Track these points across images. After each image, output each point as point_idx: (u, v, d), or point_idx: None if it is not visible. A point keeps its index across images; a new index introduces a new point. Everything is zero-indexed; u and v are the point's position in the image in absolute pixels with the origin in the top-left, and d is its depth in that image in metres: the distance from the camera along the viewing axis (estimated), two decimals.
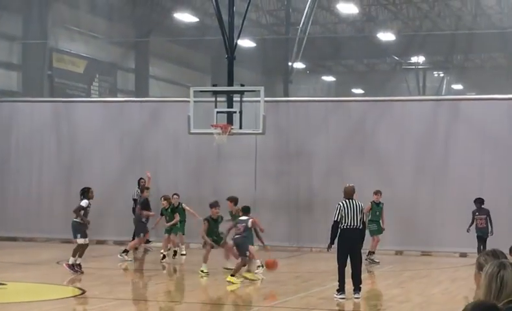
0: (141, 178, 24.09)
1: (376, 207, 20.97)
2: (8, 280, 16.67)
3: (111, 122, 25.80)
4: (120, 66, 40.16)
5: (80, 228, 17.99)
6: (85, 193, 18.23)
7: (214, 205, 18.95)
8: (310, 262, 20.32)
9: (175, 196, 22.16)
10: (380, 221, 20.94)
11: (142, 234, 21.31)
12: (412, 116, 23.74)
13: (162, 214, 21.47)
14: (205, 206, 24.55)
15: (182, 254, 22.07)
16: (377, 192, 21.02)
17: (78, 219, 18.00)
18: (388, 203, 21.34)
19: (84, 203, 18.02)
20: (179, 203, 22.01)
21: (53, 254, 21.58)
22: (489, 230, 20.17)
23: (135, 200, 23.72)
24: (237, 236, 17.45)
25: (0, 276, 17.35)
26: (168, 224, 21.34)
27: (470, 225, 20.23)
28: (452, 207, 21.98)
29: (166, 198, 21.41)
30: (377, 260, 20.67)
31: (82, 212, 17.90)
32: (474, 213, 20.30)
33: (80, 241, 17.91)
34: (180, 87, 40.95)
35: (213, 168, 24.70)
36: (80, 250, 17.93)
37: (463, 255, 22.16)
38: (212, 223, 18.70)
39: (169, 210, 21.13)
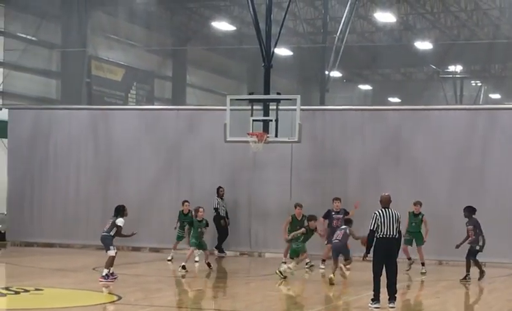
0: (220, 187, 24.17)
1: (414, 217, 20.84)
2: (45, 286, 16.86)
3: (147, 130, 25.96)
4: (158, 74, 40.44)
5: (111, 241, 18.27)
6: (121, 211, 18.46)
7: (297, 205, 20.86)
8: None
9: (186, 204, 22.35)
10: (420, 231, 20.88)
11: None
12: (449, 126, 23.58)
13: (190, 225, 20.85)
14: (240, 213, 24.76)
15: (195, 261, 22.16)
16: (416, 203, 20.89)
17: (111, 233, 18.27)
18: (424, 212, 21.19)
19: (121, 222, 18.31)
20: (189, 210, 22.16)
21: (89, 260, 21.75)
22: (479, 242, 19.42)
23: (215, 209, 24.03)
24: (336, 241, 18.89)
25: (37, 282, 17.55)
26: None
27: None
28: (489, 216, 21.75)
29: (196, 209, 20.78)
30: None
31: (121, 230, 18.25)
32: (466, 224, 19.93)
33: (112, 253, 18.14)
34: (217, 96, 41.16)
35: (249, 177, 24.74)
36: (111, 261, 18.16)
37: (501, 266, 21.95)
38: (295, 222, 20.51)
39: (204, 221, 20.61)
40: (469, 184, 23.00)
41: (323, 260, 21.16)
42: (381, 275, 15.01)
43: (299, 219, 20.72)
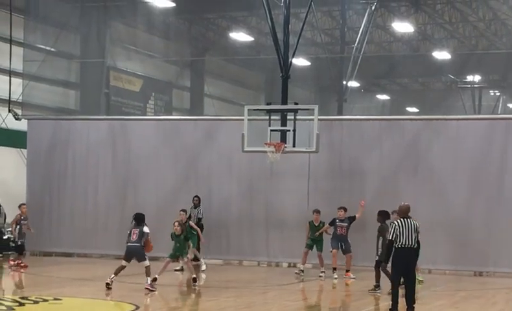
0: (195, 196, 24.34)
1: None
2: (64, 296, 16.94)
3: (165, 140, 26.05)
4: (176, 84, 40.55)
5: (143, 250, 18.37)
6: (143, 219, 18.55)
7: (316, 211, 21.77)
8: (361, 280, 20.22)
9: (181, 213, 22.21)
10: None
11: None
12: (467, 136, 23.52)
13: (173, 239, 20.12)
14: (257, 223, 24.78)
15: (202, 271, 22.20)
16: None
17: (142, 244, 18.37)
18: (442, 222, 21.17)
19: (148, 230, 18.44)
20: (186, 220, 22.15)
21: (108, 270, 21.70)
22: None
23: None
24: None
25: (56, 291, 17.64)
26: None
27: None
28: (506, 226, 21.71)
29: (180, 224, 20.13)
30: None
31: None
32: None
33: (148, 263, 18.33)
34: (234, 106, 41.20)
35: (266, 186, 24.77)
36: (149, 270, 18.28)
37: None
38: (313, 228, 21.51)
39: (182, 237, 19.84)
40: (487, 193, 22.93)
41: (334, 269, 21.31)
42: (399, 284, 15.00)
43: (317, 225, 21.63)
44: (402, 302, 15.02)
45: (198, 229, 22.54)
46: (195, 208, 24.42)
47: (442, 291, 19.92)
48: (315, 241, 21.87)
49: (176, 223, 19.79)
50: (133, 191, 25.95)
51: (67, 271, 22.60)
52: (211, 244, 24.99)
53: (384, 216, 18.42)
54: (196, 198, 24.42)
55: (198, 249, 23.12)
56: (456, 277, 22.63)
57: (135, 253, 18.40)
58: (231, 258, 25.29)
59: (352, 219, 21.33)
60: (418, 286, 19.43)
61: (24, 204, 24.03)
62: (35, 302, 16.07)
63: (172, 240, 19.74)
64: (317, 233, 21.72)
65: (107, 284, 18.11)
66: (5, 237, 27.60)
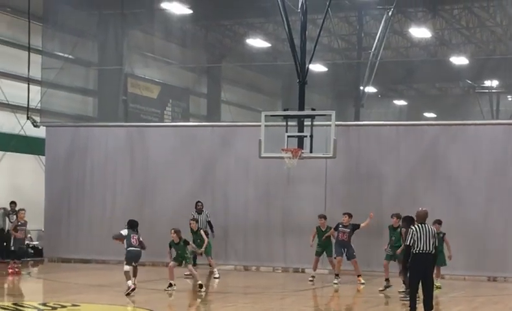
0: (198, 201, 24.24)
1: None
2: (82, 302, 17.01)
3: (183, 146, 26.13)
4: (193, 91, 40.63)
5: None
6: (137, 225, 19.07)
7: (321, 216, 21.92)
8: (379, 286, 20.17)
9: (192, 222, 22.25)
10: (442, 251, 20.51)
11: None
12: (485, 141, 23.44)
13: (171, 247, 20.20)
14: (274, 229, 24.79)
15: (215, 277, 22.20)
16: (435, 222, 19.74)
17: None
18: (459, 227, 21.11)
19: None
20: (198, 228, 22.23)
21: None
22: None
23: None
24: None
25: (74, 297, 17.72)
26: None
27: None
28: None
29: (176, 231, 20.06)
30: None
31: None
32: None
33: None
34: (251, 112, 41.20)
35: (283, 192, 24.79)
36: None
37: None
38: (320, 233, 21.75)
39: (181, 243, 19.86)
40: (505, 199, 22.85)
41: (336, 275, 21.32)
42: (417, 290, 14.96)
43: (324, 230, 21.83)
44: (420, 308, 14.98)
45: (206, 239, 22.22)
46: (200, 213, 24.35)
47: (461, 297, 19.85)
48: (323, 247, 21.96)
49: (172, 231, 19.87)
50: (150, 197, 26.04)
51: (85, 277, 22.69)
52: (228, 250, 25.06)
53: (408, 221, 18.37)
54: (199, 203, 24.26)
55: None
56: (474, 283, 22.55)
57: (137, 257, 18.87)
58: (248, 264, 25.32)
59: (356, 226, 21.16)
60: (435, 292, 19.46)
61: (22, 209, 24.13)
62: (54, 308, 16.14)
63: (171, 248, 19.86)
64: (324, 238, 21.83)
65: (133, 289, 18.20)
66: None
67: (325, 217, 22.02)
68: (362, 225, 21.12)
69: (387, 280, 19.93)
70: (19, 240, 23.47)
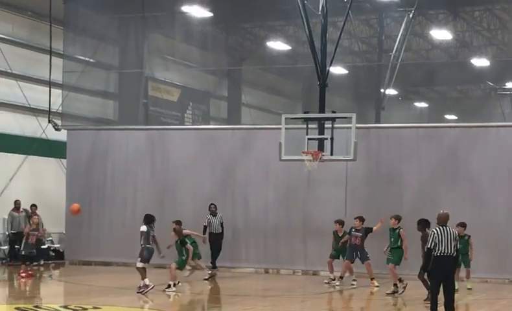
0: (211, 203, 24.39)
1: (459, 239, 19.98)
2: (103, 304, 17.05)
3: (203, 149, 26.17)
4: (213, 94, 40.67)
5: None
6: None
7: (338, 221, 22.03)
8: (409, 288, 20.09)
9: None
10: (467, 253, 20.42)
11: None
12: (506, 143, 23.31)
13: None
14: (294, 232, 24.77)
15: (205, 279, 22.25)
16: (459, 225, 19.87)
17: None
18: (481, 230, 20.97)
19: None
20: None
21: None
22: None
23: (205, 226, 24.36)
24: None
25: (95, 300, 17.77)
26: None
27: None
28: None
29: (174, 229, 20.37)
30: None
31: None
32: None
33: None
34: (271, 115, 41.17)
35: (303, 195, 24.76)
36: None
37: None
38: (337, 238, 21.88)
39: (178, 242, 20.09)
40: None
41: (341, 277, 21.37)
42: (438, 293, 14.87)
43: (340, 235, 21.97)
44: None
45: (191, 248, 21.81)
46: (214, 216, 24.47)
47: (482, 299, 19.74)
48: (339, 251, 22.02)
49: (173, 234, 20.03)
50: (171, 200, 26.08)
51: (106, 279, 22.77)
52: (248, 252, 25.06)
53: (423, 224, 18.30)
54: (212, 205, 24.47)
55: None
56: (496, 285, 22.42)
57: (152, 255, 19.16)
58: (268, 267, 25.31)
59: (368, 230, 21.18)
60: (466, 293, 19.43)
61: (36, 214, 24.37)
62: (75, 310, 16.20)
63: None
64: (341, 243, 21.92)
65: (174, 284, 18.56)
66: (45, 246, 27.97)
67: (341, 222, 22.04)
68: (374, 228, 21.08)
69: (399, 281, 19.87)
70: (30, 244, 23.53)
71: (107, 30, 33.02)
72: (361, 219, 21.23)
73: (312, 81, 25.24)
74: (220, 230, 24.64)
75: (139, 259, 19.04)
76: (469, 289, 20.44)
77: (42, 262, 26.43)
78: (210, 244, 24.32)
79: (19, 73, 28.84)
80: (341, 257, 22.10)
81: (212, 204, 24.56)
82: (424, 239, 17.92)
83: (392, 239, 19.91)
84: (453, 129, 25.23)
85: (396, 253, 19.84)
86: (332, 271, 22.21)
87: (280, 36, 39.62)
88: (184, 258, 19.81)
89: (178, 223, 21.11)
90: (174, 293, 19.17)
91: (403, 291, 19.58)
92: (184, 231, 20.58)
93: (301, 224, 24.80)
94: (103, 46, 32.84)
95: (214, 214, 24.53)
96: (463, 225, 20.19)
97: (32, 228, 23.55)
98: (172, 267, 19.64)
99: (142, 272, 18.87)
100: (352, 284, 21.48)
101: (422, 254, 17.64)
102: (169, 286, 19.47)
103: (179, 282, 19.97)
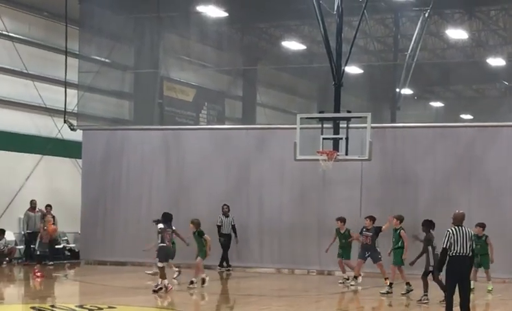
0: (224, 204, 24.49)
1: (477, 240, 19.57)
2: (118, 304, 17.09)
3: (218, 149, 26.18)
4: (228, 94, 40.68)
5: None
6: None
7: (339, 219, 22.10)
8: (415, 289, 20.04)
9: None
10: (487, 254, 20.32)
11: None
12: None
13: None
14: (309, 231, 24.74)
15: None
16: (478, 225, 19.88)
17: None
18: (497, 230, 20.86)
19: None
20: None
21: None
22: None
23: (218, 226, 24.68)
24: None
25: (110, 300, 17.81)
26: None
27: None
28: None
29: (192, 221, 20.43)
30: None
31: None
32: None
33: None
34: (286, 114, 41.14)
35: (318, 194, 24.73)
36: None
37: None
38: (340, 235, 21.98)
39: (196, 233, 20.27)
40: None
41: (355, 277, 21.29)
42: (454, 293, 14.82)
43: (342, 232, 22.11)
44: None
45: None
46: (226, 217, 24.61)
47: (498, 300, 19.65)
48: (343, 249, 22.06)
49: (191, 225, 20.08)
50: (186, 200, 26.09)
51: (121, 279, 22.81)
52: (263, 252, 25.05)
53: (428, 225, 18.27)
54: (225, 206, 24.63)
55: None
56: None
57: (172, 254, 19.51)
58: (283, 267, 25.30)
59: (378, 229, 21.01)
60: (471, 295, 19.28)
61: (50, 214, 24.59)
62: (90, 310, 16.24)
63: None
64: (350, 240, 22.04)
65: (165, 289, 18.39)
66: (60, 246, 28.07)
67: (342, 220, 22.17)
68: (383, 227, 20.97)
69: (407, 284, 19.78)
70: (44, 244, 23.62)
71: (123, 30, 33.09)
72: (372, 218, 21.15)
73: (327, 81, 25.20)
74: (230, 232, 24.80)
75: (157, 259, 19.10)
76: (489, 290, 20.32)
77: (52, 263, 26.30)
78: (221, 245, 24.52)
79: (35, 73, 28.97)
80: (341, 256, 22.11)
81: (225, 205, 24.64)
82: (428, 240, 17.92)
83: (394, 239, 19.96)
84: (468, 128, 25.15)
85: (397, 254, 19.87)
86: (344, 270, 22.19)
87: (296, 36, 39.58)
88: (204, 248, 19.87)
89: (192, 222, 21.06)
90: (195, 289, 19.32)
91: (405, 293, 19.50)
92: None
93: (316, 224, 24.76)
94: (118, 46, 32.92)
95: (226, 215, 24.64)
96: (481, 225, 20.13)
97: (45, 227, 23.62)
98: (198, 262, 19.76)
99: (161, 272, 18.88)
100: (353, 284, 21.38)
101: (419, 254, 17.72)
102: (203, 281, 19.68)
103: (207, 276, 20.10)
